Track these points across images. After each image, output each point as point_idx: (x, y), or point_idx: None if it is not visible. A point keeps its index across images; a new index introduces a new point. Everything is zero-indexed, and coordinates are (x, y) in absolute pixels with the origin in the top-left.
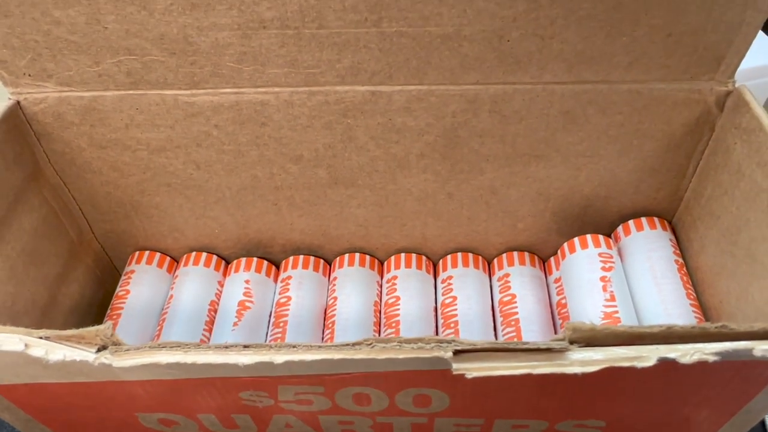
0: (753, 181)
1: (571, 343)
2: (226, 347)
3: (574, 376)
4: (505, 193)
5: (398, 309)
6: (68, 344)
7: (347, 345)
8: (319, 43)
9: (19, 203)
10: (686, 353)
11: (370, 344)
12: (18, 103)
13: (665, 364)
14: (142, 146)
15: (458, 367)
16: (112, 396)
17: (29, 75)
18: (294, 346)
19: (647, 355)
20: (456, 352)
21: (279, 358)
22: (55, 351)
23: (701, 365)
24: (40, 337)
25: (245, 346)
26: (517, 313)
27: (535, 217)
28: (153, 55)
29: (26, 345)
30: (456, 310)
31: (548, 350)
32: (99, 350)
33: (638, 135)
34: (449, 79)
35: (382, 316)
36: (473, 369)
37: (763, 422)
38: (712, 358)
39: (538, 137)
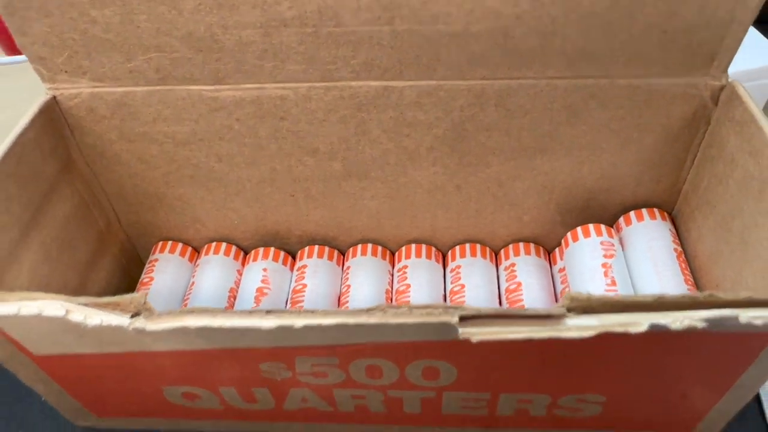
0: (745, 170)
1: (569, 311)
2: (250, 312)
3: (572, 342)
4: (511, 185)
5: (408, 297)
6: (105, 310)
7: (362, 311)
8: (335, 40)
9: (54, 193)
10: (676, 319)
11: (383, 310)
12: (54, 98)
13: (657, 332)
14: (168, 139)
15: (464, 331)
16: (141, 368)
17: (66, 71)
18: (312, 312)
19: (639, 321)
20: (462, 318)
21: (299, 322)
22: (93, 316)
23: (691, 333)
24: (80, 304)
25: (268, 312)
26: (522, 300)
27: (540, 210)
28: (181, 53)
29: (67, 311)
30: (464, 297)
31: (548, 317)
32: (133, 316)
33: (639, 128)
34: (457, 75)
35: (393, 303)
36: (478, 333)
37: (758, 399)
38: (700, 324)
39: (543, 131)
